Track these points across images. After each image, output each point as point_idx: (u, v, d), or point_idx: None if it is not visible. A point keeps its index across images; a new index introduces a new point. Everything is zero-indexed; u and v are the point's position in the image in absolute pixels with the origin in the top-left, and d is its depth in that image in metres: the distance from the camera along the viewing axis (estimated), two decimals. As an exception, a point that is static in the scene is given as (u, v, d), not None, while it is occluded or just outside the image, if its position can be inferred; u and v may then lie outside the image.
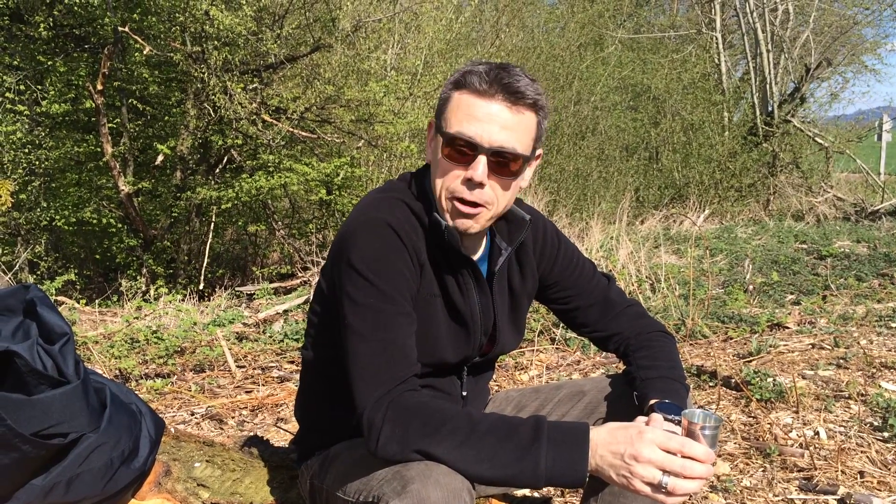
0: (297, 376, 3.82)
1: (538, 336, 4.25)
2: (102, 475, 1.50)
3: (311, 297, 2.03)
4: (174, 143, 8.44)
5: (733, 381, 3.28)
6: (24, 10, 8.28)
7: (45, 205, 8.68)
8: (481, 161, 1.37)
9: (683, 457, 1.19)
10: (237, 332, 4.64)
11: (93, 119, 8.41)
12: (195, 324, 4.63)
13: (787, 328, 4.27)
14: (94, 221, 8.70)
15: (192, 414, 3.36)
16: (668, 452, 1.19)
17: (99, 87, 7.58)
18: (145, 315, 5.14)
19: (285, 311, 5.24)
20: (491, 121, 1.36)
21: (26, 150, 8.29)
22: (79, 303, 5.90)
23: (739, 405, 3.11)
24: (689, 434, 1.24)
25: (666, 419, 1.30)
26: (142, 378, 3.81)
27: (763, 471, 2.53)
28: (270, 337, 4.53)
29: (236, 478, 1.76)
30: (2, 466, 1.38)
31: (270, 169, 8.02)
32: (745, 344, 3.96)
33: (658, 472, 1.18)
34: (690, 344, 4.09)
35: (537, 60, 11.86)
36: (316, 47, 8.14)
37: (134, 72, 8.66)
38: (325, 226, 9.09)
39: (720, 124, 13.51)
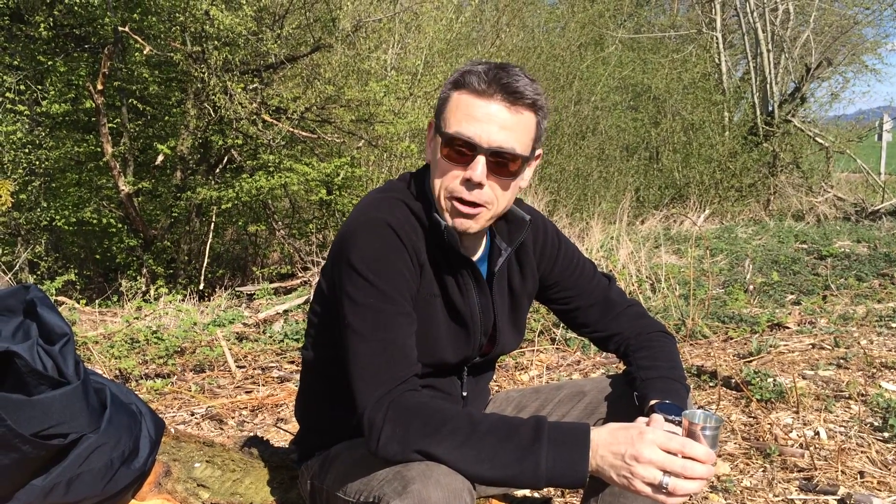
0: (297, 376, 3.82)
1: (538, 336, 4.25)
2: (102, 476, 1.50)
3: (312, 297, 2.03)
4: (174, 143, 8.44)
5: (733, 381, 3.28)
6: (24, 9, 8.28)
7: (45, 205, 8.68)
8: (480, 161, 1.37)
9: (684, 457, 1.19)
10: (237, 333, 4.64)
11: (93, 119, 8.41)
12: (195, 324, 4.63)
13: (788, 328, 4.27)
14: (94, 221, 8.71)
15: (192, 414, 3.36)
16: (669, 453, 1.19)
17: (99, 87, 7.58)
18: (145, 315, 5.14)
19: (285, 311, 5.24)
20: (490, 121, 1.36)
21: (26, 150, 8.30)
22: (79, 303, 5.90)
23: (739, 405, 3.11)
24: (690, 434, 1.24)
25: (666, 420, 1.30)
26: (142, 378, 3.81)
27: (763, 471, 2.53)
28: (270, 337, 4.53)
29: (236, 478, 1.76)
30: (2, 467, 1.38)
31: (270, 169, 8.02)
32: (745, 344, 3.96)
33: (659, 472, 1.18)
34: (690, 344, 4.09)
35: (537, 60, 11.86)
36: (316, 47, 8.14)
37: (134, 72, 8.66)
38: (325, 226, 9.09)
39: (720, 124, 13.51)
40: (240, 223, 10.01)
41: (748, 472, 2.54)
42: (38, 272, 8.37)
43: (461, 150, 1.38)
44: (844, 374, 3.37)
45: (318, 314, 1.57)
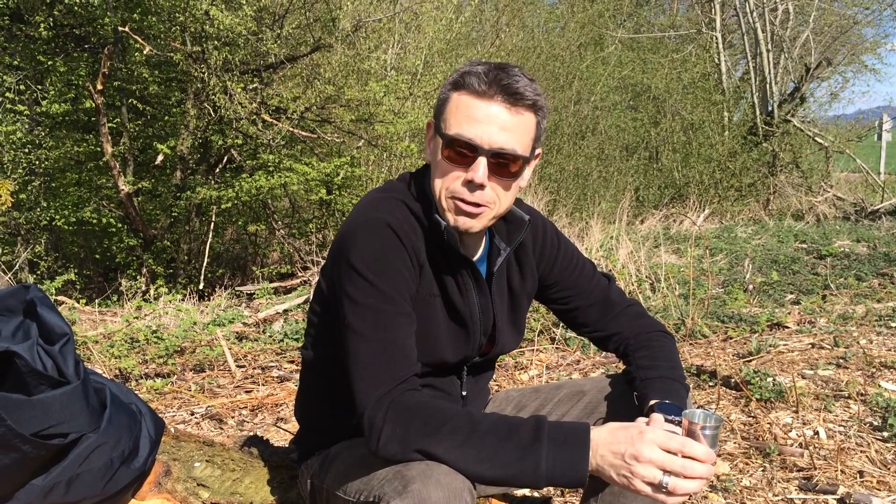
0: (297, 376, 3.82)
1: (538, 336, 4.25)
2: (102, 475, 1.50)
3: (311, 297, 2.03)
4: (174, 143, 8.45)
5: (733, 380, 3.28)
6: (24, 9, 8.28)
7: (44, 204, 8.68)
8: (481, 163, 1.37)
9: (684, 457, 1.20)
10: (237, 332, 4.64)
11: (93, 119, 8.41)
12: (195, 323, 4.63)
13: (787, 328, 4.27)
14: (94, 221, 8.71)
15: (192, 414, 3.36)
16: (669, 452, 1.19)
17: (99, 86, 7.58)
18: (145, 315, 5.15)
19: (285, 311, 5.24)
20: (490, 122, 1.36)
21: (26, 150, 8.30)
22: (79, 302, 5.90)
23: (739, 405, 3.11)
24: (690, 434, 1.24)
25: (666, 420, 1.30)
26: (142, 378, 3.81)
27: (763, 470, 2.54)
28: (270, 337, 4.53)
29: (236, 478, 1.76)
30: (2, 466, 1.38)
31: (270, 169, 8.02)
32: (744, 343, 3.96)
33: (659, 471, 1.18)
34: (690, 344, 4.09)
35: (537, 60, 11.86)
36: (316, 47, 8.15)
37: (134, 71, 8.66)
38: (325, 225, 9.09)
39: (720, 124, 13.52)
40: (240, 223, 10.01)
41: (748, 471, 2.55)
42: (38, 272, 8.37)
43: (462, 152, 1.38)
44: (844, 374, 3.37)
45: (318, 314, 1.58)
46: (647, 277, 5.53)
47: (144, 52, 7.82)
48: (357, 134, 8.50)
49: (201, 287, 8.08)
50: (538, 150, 1.48)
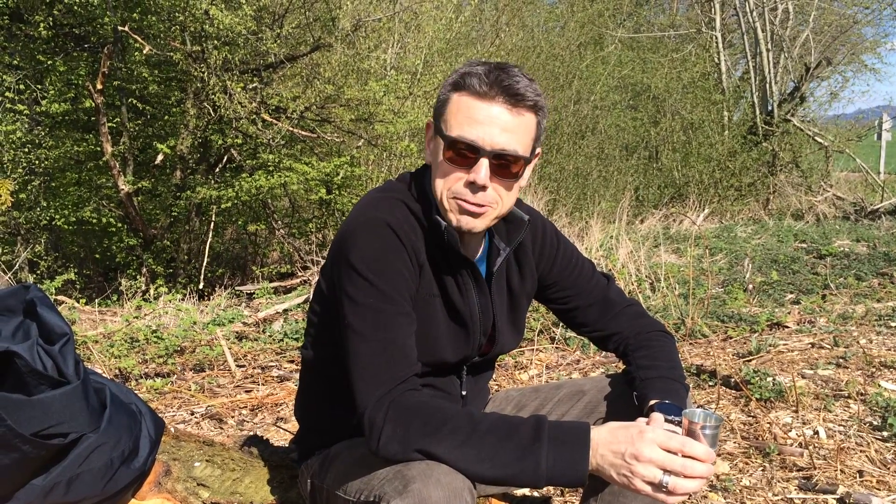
0: (297, 376, 3.82)
1: (538, 335, 4.25)
2: (102, 475, 1.50)
3: (311, 297, 2.03)
4: (174, 143, 8.44)
5: (733, 380, 3.28)
6: (23, 9, 8.28)
7: (44, 204, 8.68)
8: (483, 164, 1.37)
9: (684, 456, 1.20)
10: (237, 332, 4.64)
11: (92, 118, 8.41)
12: (195, 323, 4.63)
13: (787, 327, 4.28)
14: (94, 221, 8.71)
15: (192, 413, 3.36)
16: (669, 452, 1.20)
17: (99, 86, 7.58)
18: (145, 314, 5.15)
19: (285, 311, 5.24)
20: (492, 123, 1.36)
21: (26, 150, 8.29)
22: (79, 302, 5.90)
23: (739, 404, 3.11)
24: (690, 433, 1.24)
25: (666, 419, 1.30)
26: (142, 378, 3.81)
27: (762, 470, 2.54)
28: (270, 336, 4.53)
29: (236, 477, 1.76)
30: (2, 466, 1.38)
31: (270, 168, 8.02)
32: (744, 343, 3.96)
33: (659, 471, 1.18)
34: (690, 343, 4.09)
35: (537, 60, 11.86)
36: (316, 46, 8.15)
37: (134, 71, 8.66)
38: (324, 225, 9.09)
39: (720, 123, 13.52)
40: (239, 222, 10.01)
41: (747, 471, 2.55)
42: (38, 271, 8.37)
43: (464, 153, 1.38)
44: (844, 374, 3.38)
45: (318, 313, 1.58)
46: (647, 277, 5.53)
47: (144, 52, 7.82)
48: (357, 133, 8.50)
49: (201, 287, 8.08)
50: (538, 150, 1.48)
